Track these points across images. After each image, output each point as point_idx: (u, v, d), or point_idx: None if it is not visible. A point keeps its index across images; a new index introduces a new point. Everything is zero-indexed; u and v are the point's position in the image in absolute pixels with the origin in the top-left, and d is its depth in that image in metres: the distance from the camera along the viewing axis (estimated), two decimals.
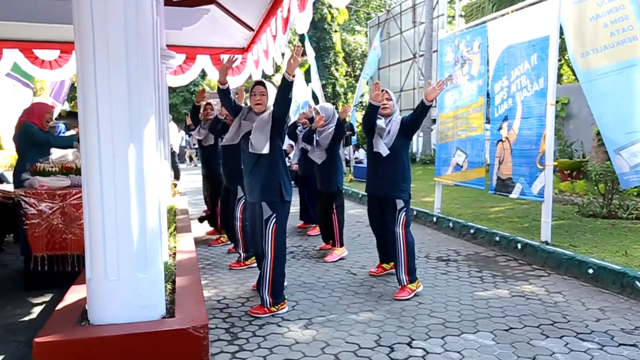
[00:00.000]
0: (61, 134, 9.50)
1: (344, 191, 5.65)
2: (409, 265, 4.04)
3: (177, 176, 11.72)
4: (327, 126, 5.43)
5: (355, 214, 7.85)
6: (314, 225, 6.68)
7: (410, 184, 4.28)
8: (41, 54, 7.18)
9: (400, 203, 4.14)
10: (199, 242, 5.94)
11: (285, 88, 3.51)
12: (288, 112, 3.69)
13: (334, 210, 5.46)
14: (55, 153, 4.77)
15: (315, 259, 5.27)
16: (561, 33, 5.03)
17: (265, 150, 3.59)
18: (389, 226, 4.20)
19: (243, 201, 5.02)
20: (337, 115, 5.47)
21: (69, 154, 4.74)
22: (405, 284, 4.04)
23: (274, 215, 3.64)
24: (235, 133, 3.77)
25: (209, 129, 5.73)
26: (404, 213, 4.13)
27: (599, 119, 4.73)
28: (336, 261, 5.20)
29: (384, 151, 4.13)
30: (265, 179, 3.63)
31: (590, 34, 4.63)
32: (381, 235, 4.53)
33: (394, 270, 4.32)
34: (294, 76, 3.51)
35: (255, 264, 4.91)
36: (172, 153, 11.72)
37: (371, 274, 4.64)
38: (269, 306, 3.63)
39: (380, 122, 4.24)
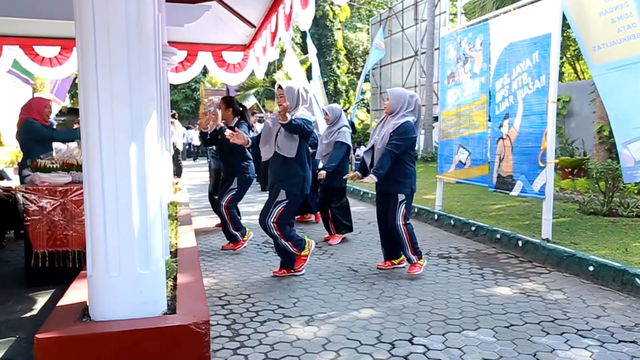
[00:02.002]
0: None
1: (346, 188, 6.01)
2: (413, 247, 4.43)
3: (179, 173, 11.69)
4: (333, 128, 5.58)
5: (357, 211, 7.84)
6: (308, 215, 7.16)
7: (413, 178, 4.46)
8: (41, 50, 7.15)
9: (401, 197, 4.40)
10: (200, 238, 5.95)
11: (289, 129, 4.03)
12: (305, 133, 4.10)
13: (331, 205, 5.82)
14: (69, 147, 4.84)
15: (316, 256, 5.27)
16: (566, 29, 5.02)
17: (292, 155, 4.10)
18: (389, 219, 4.45)
19: (233, 192, 5.28)
20: (344, 116, 5.65)
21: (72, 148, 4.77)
22: (415, 261, 4.44)
23: (287, 201, 4.11)
24: (269, 143, 4.24)
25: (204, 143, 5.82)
26: (403, 206, 4.41)
27: (610, 112, 4.74)
28: (339, 243, 5.75)
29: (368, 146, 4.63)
30: (290, 172, 4.10)
31: (600, 29, 4.63)
32: (387, 231, 4.62)
33: (401, 265, 4.73)
34: (285, 119, 3.93)
35: (250, 237, 5.53)
36: (176, 150, 11.69)
37: (379, 267, 4.74)
38: (297, 254, 4.33)
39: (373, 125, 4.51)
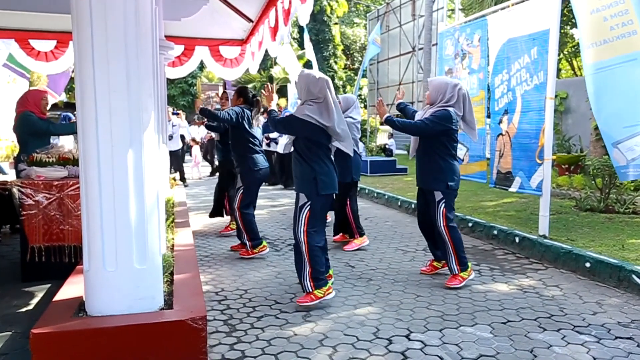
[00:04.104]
0: None
1: (357, 182, 5.58)
2: (458, 256, 4.07)
3: (180, 173, 11.50)
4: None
5: None
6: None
7: (449, 174, 4.05)
8: (37, 44, 7.10)
9: (438, 195, 4.07)
10: (197, 234, 5.93)
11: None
12: (280, 130, 4.02)
13: (348, 202, 5.45)
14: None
15: None
16: (564, 25, 5.00)
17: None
18: (430, 216, 4.19)
19: (241, 191, 4.98)
20: (355, 107, 5.44)
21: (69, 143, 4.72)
22: (457, 272, 4.09)
23: (309, 202, 3.68)
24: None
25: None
26: (442, 205, 4.05)
27: (598, 113, 4.73)
28: (354, 250, 5.29)
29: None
30: (302, 172, 3.72)
31: (591, 28, 4.62)
32: (427, 232, 4.40)
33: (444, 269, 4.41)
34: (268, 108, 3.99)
35: (263, 252, 5.06)
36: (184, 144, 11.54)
37: (422, 272, 4.48)
38: (311, 290, 3.62)
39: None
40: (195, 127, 19.22)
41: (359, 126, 5.54)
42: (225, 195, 6.17)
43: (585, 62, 4.77)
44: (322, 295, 3.61)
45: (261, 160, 5.03)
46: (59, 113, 12.79)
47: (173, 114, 11.64)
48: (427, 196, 4.18)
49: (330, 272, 4.05)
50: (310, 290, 3.61)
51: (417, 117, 4.28)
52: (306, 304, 3.58)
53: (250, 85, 23.30)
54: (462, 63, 6.43)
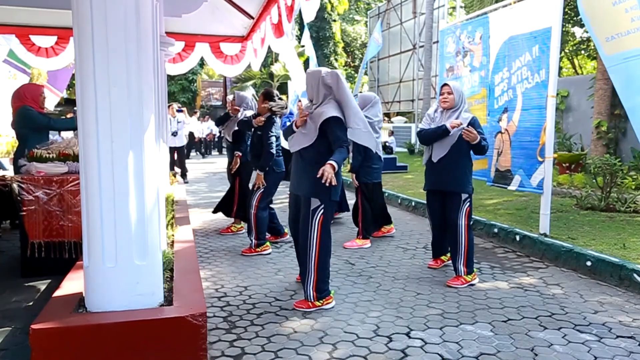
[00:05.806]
0: None
1: (367, 184, 5.52)
2: (468, 258, 4.06)
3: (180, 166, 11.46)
4: None
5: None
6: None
7: (472, 175, 4.21)
8: (38, 40, 7.07)
9: (464, 195, 4.08)
10: (197, 230, 5.93)
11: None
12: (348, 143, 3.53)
13: (359, 201, 5.50)
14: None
15: None
16: (565, 23, 4.97)
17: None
18: (450, 216, 4.14)
19: (261, 189, 4.98)
20: (374, 107, 5.36)
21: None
22: (462, 274, 4.06)
23: (322, 206, 3.49)
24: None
25: (241, 128, 5.60)
26: (467, 204, 4.09)
27: (626, 102, 4.68)
28: (355, 249, 5.24)
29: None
30: (314, 175, 3.39)
31: (614, 19, 4.60)
32: (441, 230, 4.36)
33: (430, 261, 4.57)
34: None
35: (265, 252, 5.06)
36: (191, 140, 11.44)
37: (430, 267, 4.53)
38: (313, 300, 3.53)
39: (431, 112, 4.27)
40: (203, 123, 19.05)
41: (379, 125, 5.38)
42: (235, 196, 6.04)
43: (605, 55, 4.72)
44: (320, 304, 3.53)
45: (281, 162, 5.12)
46: (59, 109, 12.71)
47: (178, 111, 11.61)
48: (452, 198, 4.12)
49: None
50: (313, 300, 3.53)
51: (435, 119, 4.21)
52: (302, 310, 3.52)
53: (250, 82, 23.27)
54: (463, 61, 6.42)
